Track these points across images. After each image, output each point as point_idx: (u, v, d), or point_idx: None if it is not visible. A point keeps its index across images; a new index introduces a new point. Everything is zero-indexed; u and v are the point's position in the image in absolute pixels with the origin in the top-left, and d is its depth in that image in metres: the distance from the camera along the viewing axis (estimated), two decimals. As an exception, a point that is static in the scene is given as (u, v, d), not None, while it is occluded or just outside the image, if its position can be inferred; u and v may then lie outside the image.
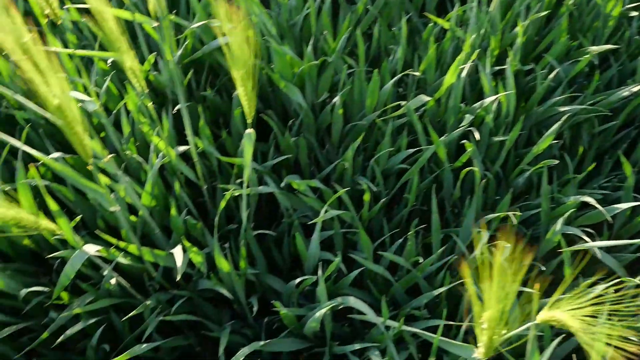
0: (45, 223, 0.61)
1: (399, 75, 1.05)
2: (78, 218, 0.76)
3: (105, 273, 0.87)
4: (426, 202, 1.08)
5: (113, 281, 0.84)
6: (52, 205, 0.65)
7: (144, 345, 0.80)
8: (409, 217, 1.08)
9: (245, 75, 0.74)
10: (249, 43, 0.71)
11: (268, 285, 0.96)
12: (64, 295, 0.86)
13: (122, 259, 0.81)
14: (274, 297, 0.98)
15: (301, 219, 1.00)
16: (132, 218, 0.88)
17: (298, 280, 0.86)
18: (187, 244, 0.78)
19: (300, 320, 0.89)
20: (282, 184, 0.93)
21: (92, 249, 0.80)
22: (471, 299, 0.50)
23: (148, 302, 0.81)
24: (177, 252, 0.77)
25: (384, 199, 0.96)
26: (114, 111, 0.99)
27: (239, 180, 0.97)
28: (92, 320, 0.84)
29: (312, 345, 0.92)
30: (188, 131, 0.83)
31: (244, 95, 0.75)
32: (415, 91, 1.14)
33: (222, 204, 0.82)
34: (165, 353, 0.93)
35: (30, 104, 0.65)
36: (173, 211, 0.82)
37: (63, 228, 0.65)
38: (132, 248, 0.78)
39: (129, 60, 0.71)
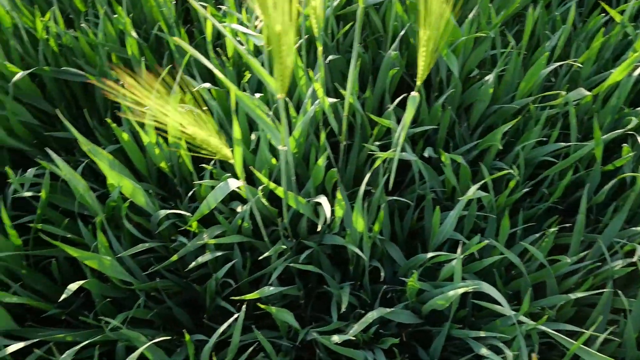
0: (225, 149, 0.60)
1: (558, 64, 0.98)
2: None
3: (239, 210, 0.87)
4: (559, 200, 1.03)
5: (247, 218, 0.84)
6: (237, 133, 0.64)
7: (272, 288, 0.80)
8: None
9: (432, 36, 0.70)
10: (447, 3, 0.67)
11: (387, 253, 0.94)
12: (194, 224, 0.87)
13: (263, 200, 0.81)
14: (389, 265, 0.96)
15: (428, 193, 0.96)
16: (273, 161, 0.87)
17: (430, 254, 0.83)
18: (339, 196, 0.76)
19: (419, 296, 0.87)
20: (425, 154, 0.89)
21: (235, 183, 0.80)
22: None
23: (283, 247, 0.80)
24: (324, 201, 0.76)
25: (525, 189, 0.91)
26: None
27: (377, 143, 0.94)
28: (219, 254, 0.85)
29: (423, 322, 0.90)
30: (349, 83, 0.80)
31: (423, 57, 0.72)
32: (565, 82, 1.07)
33: (377, 162, 0.79)
34: (275, 298, 0.94)
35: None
36: (320, 161, 0.81)
37: (236, 157, 0.64)
38: (280, 191, 0.77)
39: None
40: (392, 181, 0.82)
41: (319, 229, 0.77)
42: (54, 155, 0.79)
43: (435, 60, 0.70)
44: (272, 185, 0.75)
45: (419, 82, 0.73)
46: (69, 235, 0.89)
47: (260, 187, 0.81)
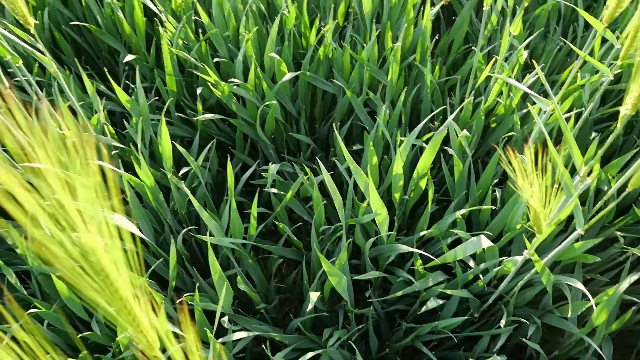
0: (543, 223, 0.58)
1: None
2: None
3: (471, 264, 0.86)
4: None
5: (486, 278, 0.82)
6: (565, 213, 0.63)
7: (499, 357, 0.77)
8: None
9: None
10: None
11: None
12: (418, 262, 0.86)
13: (508, 265, 0.79)
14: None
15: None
16: (518, 226, 0.84)
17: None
18: (610, 292, 0.73)
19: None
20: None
21: (486, 242, 0.78)
22: None
23: (510, 318, 0.78)
24: (581, 286, 0.73)
25: None
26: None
27: (620, 233, 0.89)
28: (441, 302, 0.84)
29: None
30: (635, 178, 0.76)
31: None
32: None
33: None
34: None
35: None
36: (579, 244, 0.77)
37: (546, 234, 0.63)
38: (539, 265, 0.74)
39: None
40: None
41: (569, 314, 0.73)
42: (322, 166, 0.81)
43: None
44: (536, 257, 0.73)
45: None
46: (294, 239, 0.92)
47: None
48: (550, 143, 0.63)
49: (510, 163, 0.56)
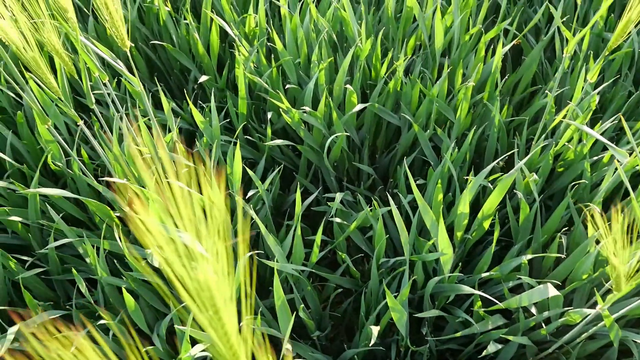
0: (623, 283, 0.57)
1: None
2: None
3: (533, 311, 0.84)
4: None
5: (550, 328, 0.81)
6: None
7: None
8: None
9: None
10: None
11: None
12: (478, 304, 0.85)
13: (573, 315, 0.77)
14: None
15: None
16: (583, 276, 0.83)
17: None
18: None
19: None
20: None
21: (553, 291, 0.77)
22: None
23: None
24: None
25: None
26: None
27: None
28: (500, 346, 0.83)
29: None
30: None
31: None
32: None
33: None
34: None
35: None
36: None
37: (623, 292, 0.62)
38: (609, 320, 0.73)
39: None
40: None
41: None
42: (392, 202, 0.82)
43: None
44: (606, 312, 0.71)
45: None
46: (353, 269, 0.93)
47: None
48: (634, 201, 0.62)
49: (593, 218, 0.56)
